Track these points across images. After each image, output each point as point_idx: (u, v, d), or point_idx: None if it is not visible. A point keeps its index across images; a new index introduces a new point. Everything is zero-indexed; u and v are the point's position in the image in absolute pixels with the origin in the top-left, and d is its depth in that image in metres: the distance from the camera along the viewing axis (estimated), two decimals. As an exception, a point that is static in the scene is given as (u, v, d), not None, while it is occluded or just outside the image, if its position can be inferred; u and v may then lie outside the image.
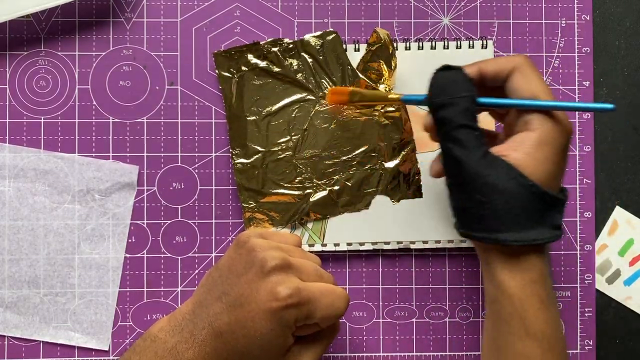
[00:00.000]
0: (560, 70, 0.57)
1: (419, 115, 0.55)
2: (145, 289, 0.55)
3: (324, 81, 0.55)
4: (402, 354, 0.56)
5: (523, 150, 0.42)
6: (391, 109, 0.55)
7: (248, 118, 0.54)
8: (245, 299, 0.43)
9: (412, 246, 0.55)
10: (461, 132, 0.42)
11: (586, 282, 0.57)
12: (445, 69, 0.44)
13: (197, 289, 0.46)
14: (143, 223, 0.55)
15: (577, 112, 0.57)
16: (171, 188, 0.55)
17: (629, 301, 0.57)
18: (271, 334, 0.42)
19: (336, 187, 0.55)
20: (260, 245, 0.44)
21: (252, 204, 0.54)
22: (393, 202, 0.55)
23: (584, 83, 0.57)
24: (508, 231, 0.41)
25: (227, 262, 0.45)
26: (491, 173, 0.41)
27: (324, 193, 0.55)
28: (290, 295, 0.42)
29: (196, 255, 0.55)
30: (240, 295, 0.43)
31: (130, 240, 0.55)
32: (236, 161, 0.54)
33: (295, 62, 0.55)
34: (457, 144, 0.42)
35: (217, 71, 0.54)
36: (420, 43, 0.55)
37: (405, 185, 0.55)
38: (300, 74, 0.55)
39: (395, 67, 0.54)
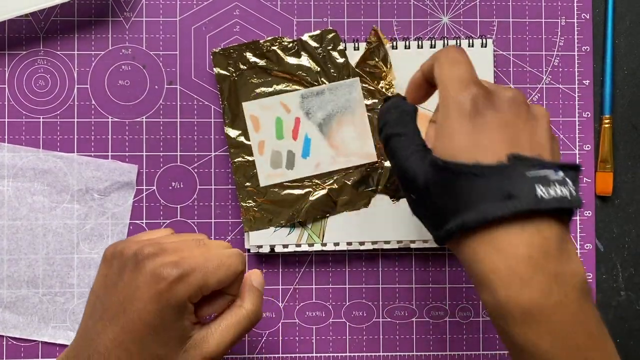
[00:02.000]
0: (560, 69, 0.57)
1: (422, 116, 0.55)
2: (144, 289, 0.55)
3: (323, 80, 0.55)
4: (402, 353, 0.56)
5: (434, 128, 0.40)
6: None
7: (247, 117, 0.54)
8: (128, 301, 0.39)
9: (412, 245, 0.55)
10: (393, 141, 0.41)
11: (586, 281, 0.57)
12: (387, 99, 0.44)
13: (80, 325, 0.43)
14: (142, 223, 0.55)
15: (577, 111, 0.57)
16: (170, 187, 0.55)
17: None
18: (164, 322, 0.38)
19: (335, 186, 0.54)
20: (128, 246, 0.41)
21: (251, 203, 0.54)
22: (393, 201, 0.55)
23: (583, 82, 0.57)
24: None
25: (100, 281, 0.42)
26: (409, 167, 0.39)
27: (323, 192, 0.54)
28: (170, 272, 0.38)
29: (195, 254, 0.55)
30: (121, 302, 0.39)
31: (129, 240, 0.55)
32: (234, 160, 0.54)
33: (294, 61, 0.54)
34: (393, 155, 0.41)
35: (215, 69, 0.54)
36: (420, 42, 0.55)
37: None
38: (299, 73, 0.54)
39: (390, 65, 0.54)
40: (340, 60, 0.54)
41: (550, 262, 0.35)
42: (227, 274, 0.41)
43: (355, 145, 0.55)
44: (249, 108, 0.54)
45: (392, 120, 0.42)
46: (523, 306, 0.35)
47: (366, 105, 0.55)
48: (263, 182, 0.54)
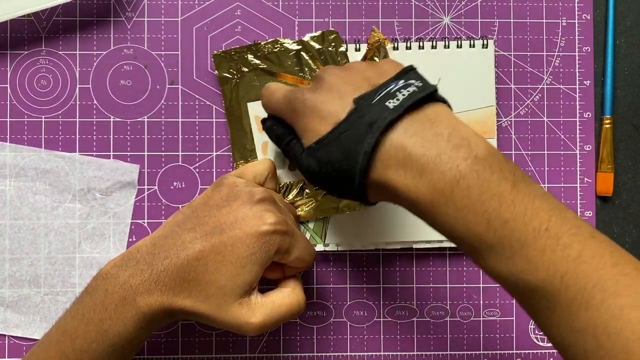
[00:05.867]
0: (561, 70, 0.57)
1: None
2: (146, 288, 0.55)
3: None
4: (402, 353, 0.56)
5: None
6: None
7: (251, 117, 0.54)
8: (228, 225, 0.42)
9: (415, 246, 0.55)
10: (291, 145, 0.45)
11: (587, 281, 0.57)
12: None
13: (159, 228, 0.45)
14: (144, 222, 0.55)
15: (577, 112, 0.57)
16: (172, 187, 0.55)
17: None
18: (248, 260, 0.42)
19: (337, 187, 0.55)
20: (244, 182, 0.46)
21: (252, 203, 0.54)
22: (394, 201, 0.55)
23: (584, 82, 0.57)
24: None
25: (203, 199, 0.45)
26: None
27: (324, 192, 0.54)
28: (279, 222, 0.43)
29: (197, 254, 0.55)
30: (221, 223, 0.43)
31: (131, 240, 0.55)
32: (237, 162, 0.54)
33: (296, 63, 0.55)
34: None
35: (216, 72, 0.54)
36: (421, 42, 0.55)
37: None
38: (301, 75, 0.55)
39: None
40: (342, 61, 0.55)
41: (431, 150, 0.37)
42: (305, 257, 0.46)
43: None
44: (254, 108, 0.54)
45: (281, 130, 0.46)
46: (425, 199, 0.37)
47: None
48: None
